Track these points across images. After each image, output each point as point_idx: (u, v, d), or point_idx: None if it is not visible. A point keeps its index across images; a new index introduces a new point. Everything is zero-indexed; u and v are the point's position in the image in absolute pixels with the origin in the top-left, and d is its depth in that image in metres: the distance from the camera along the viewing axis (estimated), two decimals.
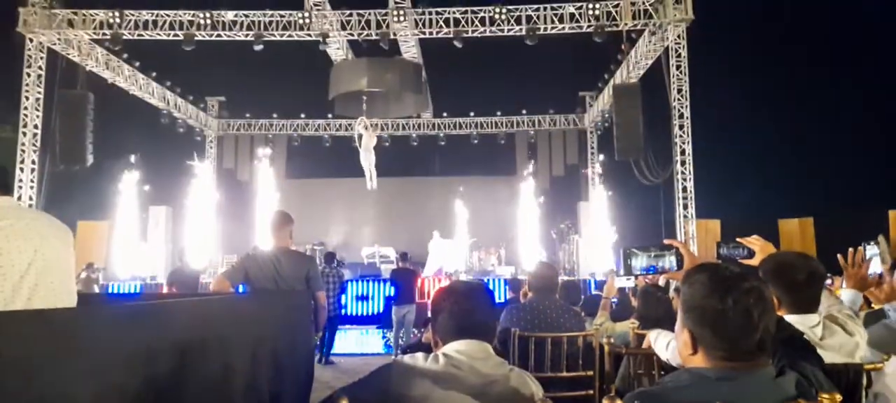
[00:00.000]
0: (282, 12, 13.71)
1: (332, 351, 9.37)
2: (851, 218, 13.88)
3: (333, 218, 19.72)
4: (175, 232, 17.38)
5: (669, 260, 2.05)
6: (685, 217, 13.49)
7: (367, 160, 16.23)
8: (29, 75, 13.91)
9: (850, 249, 2.78)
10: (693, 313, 1.50)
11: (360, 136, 16.02)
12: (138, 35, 13.78)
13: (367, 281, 14.55)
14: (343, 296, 12.13)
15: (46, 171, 13.65)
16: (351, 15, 13.77)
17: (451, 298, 2.09)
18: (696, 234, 13.38)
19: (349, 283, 13.71)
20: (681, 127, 13.55)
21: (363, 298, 14.13)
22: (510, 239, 18.10)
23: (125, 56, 15.16)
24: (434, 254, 16.28)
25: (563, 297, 4.38)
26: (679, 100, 13.53)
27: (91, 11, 13.62)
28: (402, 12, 13.40)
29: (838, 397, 1.42)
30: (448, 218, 18.40)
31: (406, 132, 20.25)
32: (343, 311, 12.30)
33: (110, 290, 13.42)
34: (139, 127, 16.73)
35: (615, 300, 5.62)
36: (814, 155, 16.38)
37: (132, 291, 13.46)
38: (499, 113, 20.06)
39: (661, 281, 4.52)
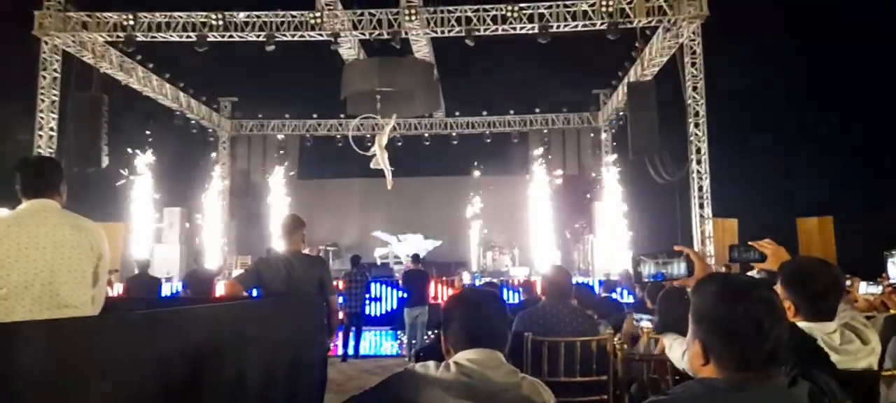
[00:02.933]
0: (293, 12, 13.75)
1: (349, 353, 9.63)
2: (872, 219, 13.60)
3: (346, 219, 19.75)
4: (189, 234, 17.50)
5: (678, 267, 2.02)
6: (701, 216, 13.36)
7: (383, 158, 16.32)
8: (44, 78, 14.03)
9: None
10: (703, 323, 1.48)
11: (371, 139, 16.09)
12: (151, 37, 13.88)
13: (380, 283, 14.50)
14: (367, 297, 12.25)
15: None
16: (362, 14, 13.77)
17: (463, 306, 2.07)
18: (712, 234, 13.26)
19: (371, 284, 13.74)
20: (696, 124, 13.43)
21: (376, 300, 14.08)
22: (523, 240, 18.05)
23: (139, 58, 15.25)
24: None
25: (577, 301, 4.35)
26: (694, 97, 13.41)
27: (105, 14, 13.74)
28: (413, 11, 13.40)
29: None
30: (461, 217, 18.37)
31: (418, 131, 20.24)
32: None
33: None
34: (153, 128, 16.85)
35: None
36: (835, 152, 16.03)
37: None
38: (512, 111, 20.01)
39: None
